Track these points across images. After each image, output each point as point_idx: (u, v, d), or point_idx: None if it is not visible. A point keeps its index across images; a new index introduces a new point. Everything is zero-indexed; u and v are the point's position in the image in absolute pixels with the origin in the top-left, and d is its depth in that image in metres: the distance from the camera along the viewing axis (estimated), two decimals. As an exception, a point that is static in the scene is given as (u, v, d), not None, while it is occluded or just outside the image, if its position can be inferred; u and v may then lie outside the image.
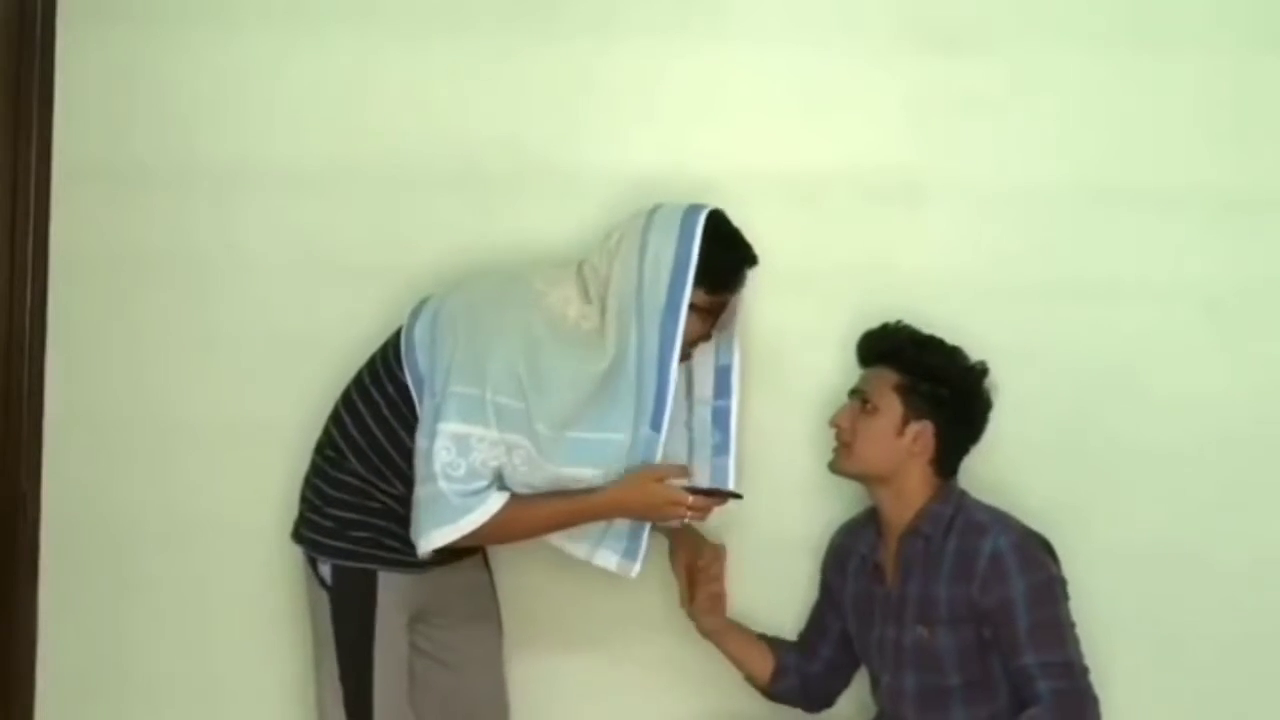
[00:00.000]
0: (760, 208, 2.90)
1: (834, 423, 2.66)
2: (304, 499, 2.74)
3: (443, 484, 2.49)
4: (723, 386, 2.74)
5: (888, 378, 2.63)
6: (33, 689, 3.05)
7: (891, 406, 2.61)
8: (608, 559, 2.63)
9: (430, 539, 2.52)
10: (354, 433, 2.65)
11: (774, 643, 2.83)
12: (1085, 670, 2.53)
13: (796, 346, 2.92)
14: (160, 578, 3.04)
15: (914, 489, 2.62)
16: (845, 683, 2.82)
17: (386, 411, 2.62)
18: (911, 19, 2.90)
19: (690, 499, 2.55)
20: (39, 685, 3.06)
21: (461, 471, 2.50)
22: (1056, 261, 2.89)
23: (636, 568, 2.61)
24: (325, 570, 2.65)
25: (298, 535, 2.73)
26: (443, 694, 2.78)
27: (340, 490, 2.66)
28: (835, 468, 2.67)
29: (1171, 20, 2.87)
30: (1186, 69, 2.86)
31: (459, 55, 2.85)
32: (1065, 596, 2.57)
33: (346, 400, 2.69)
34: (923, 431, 2.61)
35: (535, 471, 2.53)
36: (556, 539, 2.64)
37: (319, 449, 2.71)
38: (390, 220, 2.97)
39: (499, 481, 2.54)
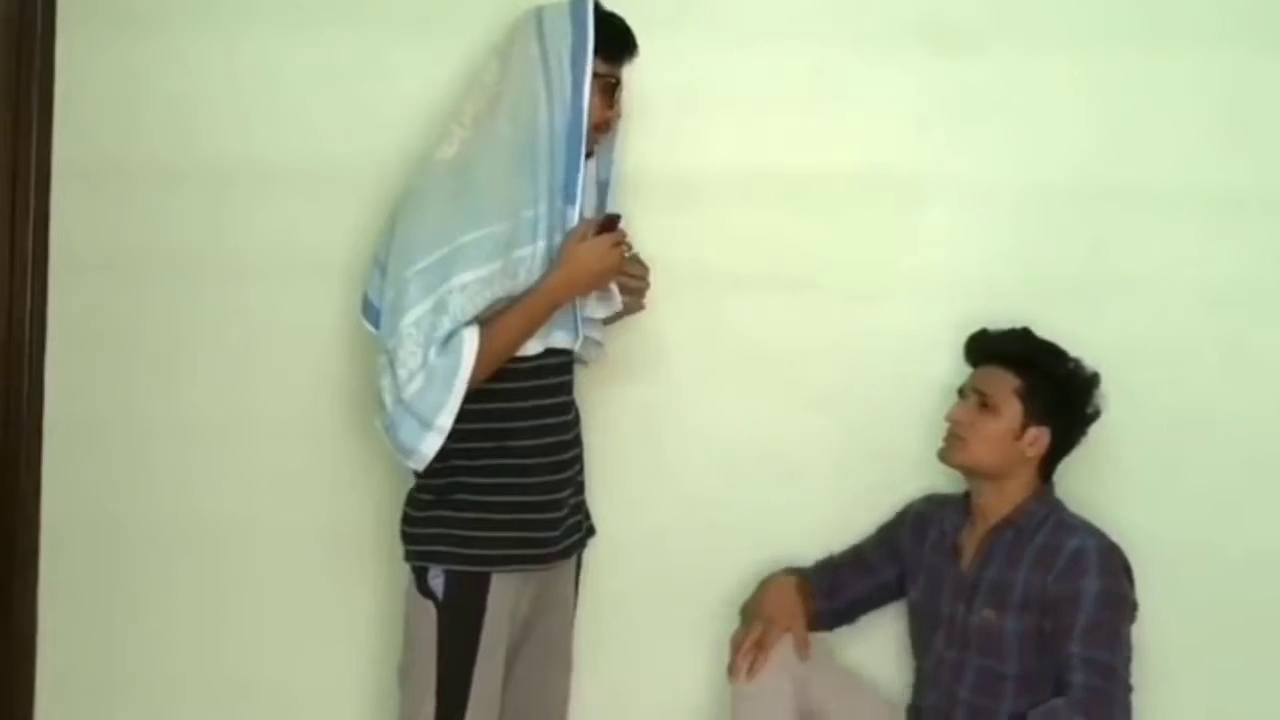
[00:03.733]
0: (760, 208, 2.91)
1: (949, 418, 2.69)
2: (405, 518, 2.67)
3: (433, 359, 2.46)
4: (603, 203, 2.78)
5: (1007, 380, 2.66)
6: (33, 689, 3.06)
7: (1012, 409, 2.65)
8: (563, 339, 2.65)
9: (441, 415, 2.46)
10: None
11: (804, 587, 2.82)
12: (1127, 685, 2.55)
13: (796, 347, 2.93)
14: (159, 577, 3.04)
15: (1016, 487, 2.68)
16: (852, 622, 2.84)
17: None
18: (913, 19, 2.90)
19: (614, 237, 2.60)
20: (39, 685, 3.06)
21: (442, 330, 2.47)
22: (1057, 261, 2.89)
23: (578, 341, 2.66)
24: (437, 582, 2.59)
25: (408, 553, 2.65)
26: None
27: (441, 492, 2.61)
28: (945, 458, 2.70)
29: (1171, 20, 2.87)
30: (1186, 69, 2.86)
31: (459, 56, 2.84)
32: (1131, 619, 2.61)
33: None
34: (1040, 436, 2.66)
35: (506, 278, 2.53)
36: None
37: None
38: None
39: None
